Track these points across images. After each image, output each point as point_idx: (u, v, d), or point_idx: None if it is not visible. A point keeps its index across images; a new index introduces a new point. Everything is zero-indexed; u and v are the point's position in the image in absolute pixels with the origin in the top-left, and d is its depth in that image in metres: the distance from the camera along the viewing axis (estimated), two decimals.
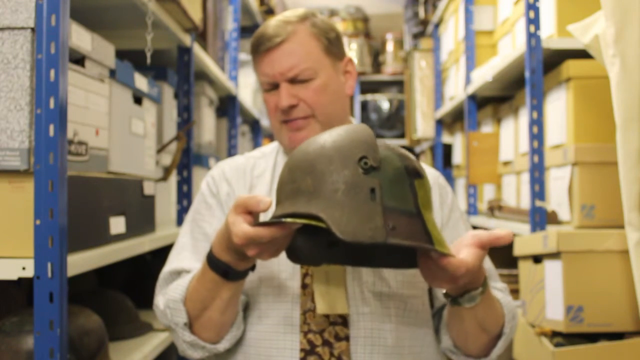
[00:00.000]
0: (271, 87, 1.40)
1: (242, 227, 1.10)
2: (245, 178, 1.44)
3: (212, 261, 1.21)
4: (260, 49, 1.39)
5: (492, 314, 1.28)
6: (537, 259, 1.95)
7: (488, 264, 1.43)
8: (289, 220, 1.05)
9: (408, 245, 1.02)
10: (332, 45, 1.42)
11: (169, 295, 1.31)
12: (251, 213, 1.12)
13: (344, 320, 1.30)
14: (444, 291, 1.21)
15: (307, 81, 1.38)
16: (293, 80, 1.37)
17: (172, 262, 1.39)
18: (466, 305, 1.19)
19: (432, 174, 1.46)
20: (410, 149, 5.51)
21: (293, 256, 1.20)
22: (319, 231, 1.08)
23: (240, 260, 1.19)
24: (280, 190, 1.12)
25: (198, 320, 1.28)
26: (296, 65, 1.36)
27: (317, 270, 1.30)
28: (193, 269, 1.34)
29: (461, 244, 1.12)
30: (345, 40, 6.36)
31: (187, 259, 1.38)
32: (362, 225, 1.00)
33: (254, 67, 1.44)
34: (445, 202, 1.43)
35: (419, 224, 1.04)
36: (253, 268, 1.24)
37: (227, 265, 1.20)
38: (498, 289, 1.41)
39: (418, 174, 1.09)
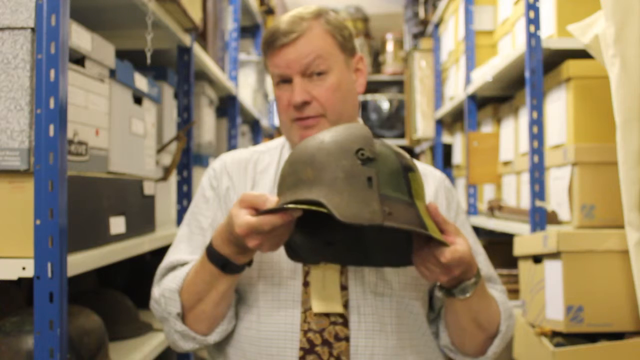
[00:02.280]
0: (283, 80, 1.39)
1: (246, 218, 1.14)
2: (247, 173, 1.44)
3: (212, 253, 1.24)
4: (275, 44, 1.37)
5: (486, 308, 1.30)
6: (537, 259, 1.95)
7: (489, 269, 1.44)
8: (291, 206, 1.10)
9: (405, 229, 1.07)
10: (346, 42, 1.41)
11: (165, 284, 1.34)
12: (255, 209, 1.16)
13: (344, 321, 1.30)
14: (438, 284, 1.25)
15: (321, 76, 1.36)
16: (306, 74, 1.36)
17: (169, 255, 1.42)
18: (460, 296, 1.23)
19: (439, 177, 1.47)
20: (410, 149, 5.51)
21: (292, 253, 1.24)
22: (317, 229, 1.13)
23: (240, 254, 1.22)
24: (281, 184, 1.17)
25: (191, 311, 1.31)
26: (310, 53, 1.35)
27: (314, 270, 1.32)
28: (188, 262, 1.37)
29: (448, 238, 1.17)
30: None
31: (182, 251, 1.41)
32: (361, 209, 1.05)
33: (265, 62, 1.43)
34: (451, 206, 1.44)
35: (413, 212, 1.11)
36: (250, 263, 1.27)
37: (226, 259, 1.23)
38: (497, 289, 1.42)
39: (411, 168, 1.15)
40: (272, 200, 1.14)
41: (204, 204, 1.44)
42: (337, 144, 1.12)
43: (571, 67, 2.04)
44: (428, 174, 1.46)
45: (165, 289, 1.32)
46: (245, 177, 1.43)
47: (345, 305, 1.31)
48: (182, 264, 1.38)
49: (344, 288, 1.32)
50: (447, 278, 1.18)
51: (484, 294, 1.28)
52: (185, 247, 1.41)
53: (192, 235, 1.42)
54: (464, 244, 1.15)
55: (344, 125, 1.18)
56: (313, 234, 1.23)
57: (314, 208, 1.07)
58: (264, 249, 1.18)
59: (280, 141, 1.50)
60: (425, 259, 1.17)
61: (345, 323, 1.30)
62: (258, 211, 1.15)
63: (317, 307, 1.30)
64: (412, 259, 1.20)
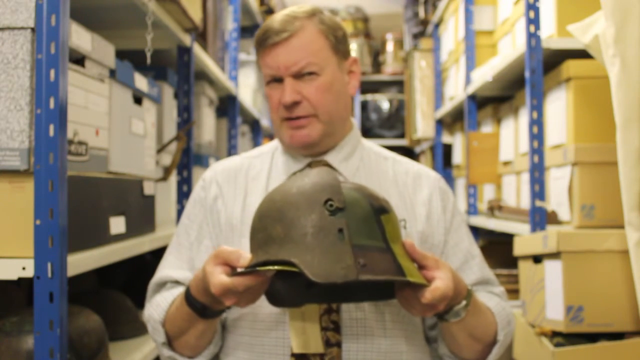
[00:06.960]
0: (274, 80, 1.36)
1: (220, 278, 1.12)
2: (238, 181, 1.43)
3: (189, 300, 1.24)
4: (267, 42, 1.34)
5: (481, 323, 1.29)
6: (537, 259, 1.95)
7: (484, 272, 1.42)
8: (263, 268, 1.08)
9: (380, 280, 1.05)
10: (339, 44, 1.38)
11: (150, 312, 1.35)
12: (230, 265, 1.14)
13: (336, 326, 1.29)
14: None
15: (312, 77, 1.34)
16: (297, 75, 1.34)
17: (160, 269, 1.43)
18: (452, 320, 1.22)
19: (433, 178, 1.44)
20: (410, 149, 5.52)
21: (273, 300, 1.22)
22: (296, 274, 1.11)
23: (217, 303, 1.21)
24: (252, 239, 1.14)
25: (176, 340, 1.33)
26: (302, 59, 1.33)
27: (293, 311, 1.30)
28: (175, 278, 1.38)
29: (428, 273, 1.15)
30: None
31: (170, 265, 1.42)
32: (334, 265, 1.03)
33: (257, 60, 1.41)
34: (447, 208, 1.42)
35: (389, 258, 1.08)
36: (230, 306, 1.25)
37: (204, 306, 1.23)
38: (495, 293, 1.41)
39: (384, 210, 1.12)
40: (246, 257, 1.12)
41: (192, 215, 1.44)
42: (304, 196, 1.10)
43: (571, 67, 2.04)
44: (422, 175, 1.44)
45: (151, 318, 1.34)
46: (236, 186, 1.42)
47: (337, 310, 1.30)
48: (171, 281, 1.39)
49: None
50: (433, 313, 1.18)
51: (477, 311, 1.27)
52: (173, 260, 1.42)
53: (180, 248, 1.42)
54: (444, 277, 1.13)
55: (309, 173, 1.15)
56: (292, 278, 1.19)
57: (286, 268, 1.05)
58: (241, 305, 1.17)
59: (272, 145, 1.48)
60: (408, 299, 1.16)
61: (337, 329, 1.29)
62: (232, 268, 1.14)
63: (297, 347, 1.28)
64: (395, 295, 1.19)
